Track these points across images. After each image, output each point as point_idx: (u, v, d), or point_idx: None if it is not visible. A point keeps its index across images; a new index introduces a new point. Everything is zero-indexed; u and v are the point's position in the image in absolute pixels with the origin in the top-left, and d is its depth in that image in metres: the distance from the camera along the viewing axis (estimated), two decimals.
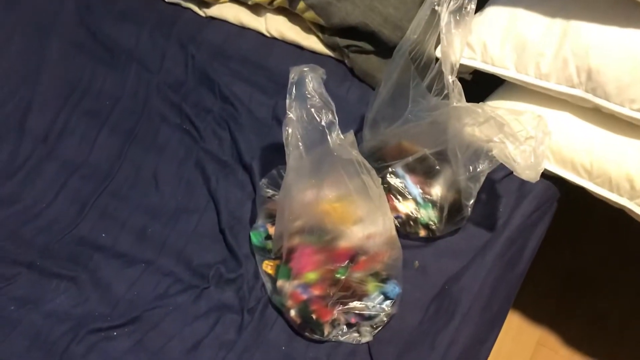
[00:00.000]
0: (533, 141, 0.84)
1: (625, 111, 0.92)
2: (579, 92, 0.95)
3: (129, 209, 1.05)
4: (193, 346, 0.90)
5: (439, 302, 0.92)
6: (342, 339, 0.90)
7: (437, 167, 0.97)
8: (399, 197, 1.00)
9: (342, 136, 0.83)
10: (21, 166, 1.11)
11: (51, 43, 1.25)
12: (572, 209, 1.12)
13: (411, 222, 0.99)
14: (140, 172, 1.10)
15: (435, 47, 0.94)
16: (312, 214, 0.88)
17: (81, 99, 1.20)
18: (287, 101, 0.83)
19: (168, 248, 1.00)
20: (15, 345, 0.89)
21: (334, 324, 0.89)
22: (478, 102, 0.90)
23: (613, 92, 0.91)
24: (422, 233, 0.99)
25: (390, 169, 1.00)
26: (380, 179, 0.90)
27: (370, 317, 0.90)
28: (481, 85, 1.07)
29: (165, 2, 1.29)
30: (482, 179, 0.94)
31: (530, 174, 0.84)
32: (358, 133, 1.02)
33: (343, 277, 0.89)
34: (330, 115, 0.82)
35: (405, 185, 1.00)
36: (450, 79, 0.86)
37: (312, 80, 0.82)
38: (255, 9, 1.24)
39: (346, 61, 1.18)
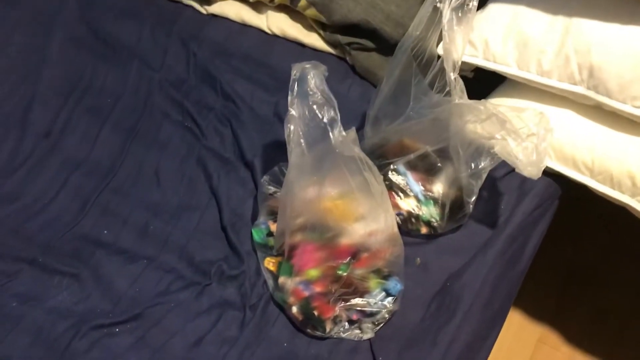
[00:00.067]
0: (535, 138, 0.84)
1: (627, 108, 0.91)
2: (580, 90, 0.95)
3: (130, 206, 1.05)
4: (195, 342, 0.90)
5: (440, 299, 0.93)
6: (343, 335, 0.90)
7: (439, 165, 0.98)
8: (400, 194, 1.00)
9: (344, 133, 0.83)
10: (23, 163, 1.11)
11: (53, 40, 1.25)
12: (573, 206, 1.12)
13: (413, 219, 0.99)
14: (142, 169, 1.10)
15: (437, 44, 0.94)
16: (314, 211, 0.88)
17: (83, 96, 1.20)
18: (289, 98, 0.83)
19: (170, 245, 1.00)
20: (18, 341, 0.89)
21: (335, 320, 0.89)
22: (480, 100, 0.90)
23: (615, 89, 0.91)
24: (424, 230, 0.99)
25: (391, 166, 1.00)
26: (382, 176, 0.90)
27: (371, 314, 0.90)
28: (482, 83, 1.07)
29: None
30: (484, 176, 0.94)
31: (532, 171, 0.84)
32: (359, 130, 1.01)
33: (345, 274, 0.89)
34: (332, 112, 0.82)
35: (406, 183, 1.00)
36: (452, 76, 0.86)
37: (314, 77, 0.82)
38: (257, 7, 1.24)
39: (347, 58, 1.18)
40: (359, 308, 0.89)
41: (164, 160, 1.11)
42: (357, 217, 0.89)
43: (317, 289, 0.90)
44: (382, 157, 1.00)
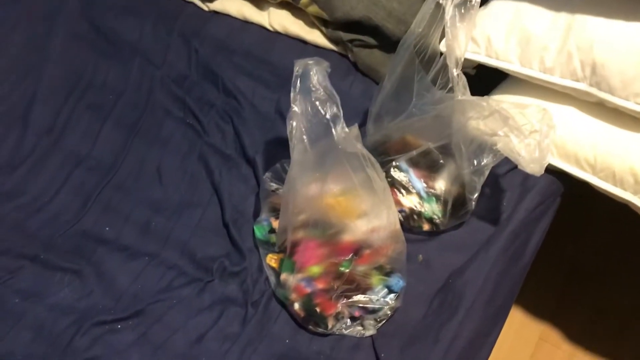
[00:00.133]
0: (538, 135, 0.84)
1: (630, 105, 0.91)
2: (583, 86, 0.95)
3: (132, 203, 1.05)
4: (197, 339, 0.90)
5: (442, 295, 0.93)
6: (345, 332, 0.90)
7: (441, 161, 0.97)
8: (402, 191, 1.00)
9: (346, 129, 0.83)
10: (25, 160, 1.11)
11: (54, 36, 1.25)
12: (574, 203, 1.12)
13: (415, 216, 0.99)
14: (143, 166, 1.10)
15: (440, 41, 0.94)
16: (316, 207, 0.88)
17: (84, 92, 1.20)
18: (292, 94, 0.83)
19: (172, 241, 1.00)
20: (20, 337, 0.90)
21: (337, 317, 0.90)
22: (482, 97, 0.90)
23: (617, 86, 0.91)
24: (426, 227, 0.99)
25: (394, 163, 1.00)
26: (384, 173, 0.90)
27: (374, 311, 0.90)
28: (484, 80, 1.06)
29: None
30: (487, 173, 0.93)
31: (534, 168, 0.84)
32: (361, 127, 1.01)
33: (347, 271, 0.89)
34: (334, 109, 0.82)
35: (409, 179, 1.00)
36: (455, 72, 0.86)
37: (316, 74, 0.82)
38: (258, 3, 1.24)
39: (349, 55, 1.18)
40: (361, 305, 0.89)
41: (165, 157, 1.11)
42: (359, 213, 0.89)
43: (319, 285, 0.90)
44: (384, 154, 1.00)
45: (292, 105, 0.83)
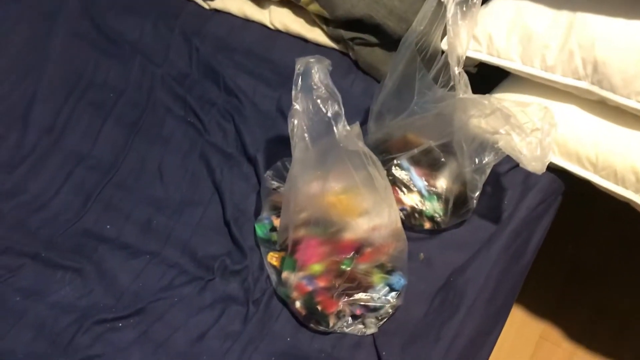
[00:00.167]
0: (539, 133, 0.84)
1: (632, 103, 0.91)
2: (584, 85, 0.95)
3: (133, 201, 1.05)
4: (198, 337, 0.90)
5: (444, 294, 0.93)
6: (347, 330, 0.90)
7: (443, 160, 0.97)
8: (404, 189, 1.00)
9: (348, 127, 0.83)
10: (25, 158, 1.11)
11: (55, 34, 1.25)
12: (575, 202, 1.12)
13: (416, 215, 0.99)
14: (144, 164, 1.10)
15: (442, 39, 0.94)
16: (317, 205, 0.88)
17: (85, 91, 1.20)
18: (293, 92, 0.82)
19: (173, 240, 1.00)
20: (21, 336, 0.89)
21: (339, 315, 0.89)
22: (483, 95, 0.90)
23: (619, 84, 0.91)
24: (427, 225, 0.99)
25: (395, 161, 0.99)
26: (385, 171, 0.90)
27: (375, 309, 0.90)
28: (485, 79, 1.06)
29: None
30: (488, 171, 0.93)
31: (536, 166, 0.84)
32: (363, 126, 1.01)
33: (348, 269, 0.89)
34: (336, 107, 0.82)
35: (410, 178, 1.00)
36: (457, 70, 0.86)
37: (318, 72, 0.82)
38: (259, 2, 1.24)
39: (350, 54, 1.18)
40: (362, 303, 0.89)
41: (166, 155, 1.11)
42: (360, 211, 0.89)
43: (321, 283, 0.90)
44: (385, 152, 1.00)
45: (294, 103, 0.82)
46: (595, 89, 0.94)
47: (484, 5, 1.01)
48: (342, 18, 1.15)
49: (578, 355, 1.31)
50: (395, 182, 0.99)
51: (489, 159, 0.91)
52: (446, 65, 0.90)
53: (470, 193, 0.96)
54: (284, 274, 0.92)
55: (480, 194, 0.96)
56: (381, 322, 0.90)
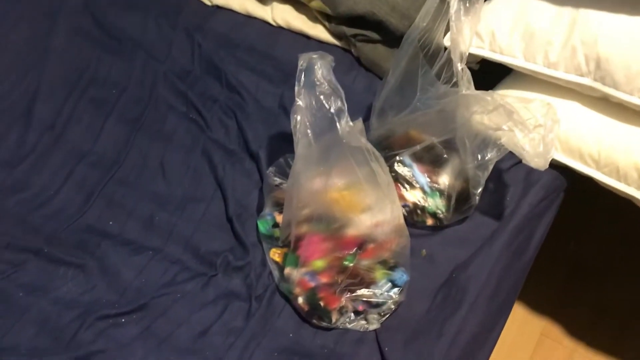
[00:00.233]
0: (542, 129, 0.84)
1: (634, 100, 0.91)
2: (587, 81, 0.95)
3: (136, 197, 1.05)
4: (201, 333, 0.90)
5: (446, 290, 0.93)
6: (349, 326, 0.90)
7: (445, 156, 0.97)
8: (406, 185, 1.00)
9: (351, 123, 0.83)
10: (28, 154, 1.11)
11: (57, 31, 1.25)
12: (576, 200, 1.12)
13: (418, 211, 0.99)
14: (147, 161, 1.10)
15: (444, 35, 0.94)
16: (320, 202, 0.88)
17: (87, 88, 1.20)
18: (296, 88, 0.83)
19: (175, 236, 1.00)
20: (24, 331, 0.89)
21: (341, 311, 0.89)
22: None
23: (622, 80, 0.91)
24: (430, 222, 0.99)
25: (397, 158, 1.00)
26: (388, 167, 0.90)
27: (377, 305, 0.90)
28: (487, 76, 1.06)
29: None
30: (490, 168, 0.94)
31: (539, 162, 0.84)
32: (365, 122, 1.01)
33: (351, 265, 0.89)
34: (339, 103, 0.82)
35: (412, 174, 1.00)
36: (460, 66, 0.86)
37: (321, 68, 0.82)
38: None
39: (353, 50, 1.18)
40: (365, 299, 0.89)
41: (169, 151, 1.11)
42: (363, 208, 0.89)
43: (323, 279, 0.90)
44: (387, 149, 1.00)
45: (297, 99, 0.83)
46: (598, 85, 0.94)
47: (486, 2, 1.02)
48: (344, 15, 1.15)
49: (579, 353, 1.31)
50: (397, 179, 0.99)
51: (491, 156, 0.92)
52: (449, 62, 0.90)
53: (473, 189, 0.96)
54: (287, 270, 0.92)
55: (483, 191, 0.96)
56: (384, 318, 0.90)
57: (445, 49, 0.92)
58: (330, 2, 1.15)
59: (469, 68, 0.93)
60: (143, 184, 1.07)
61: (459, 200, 0.97)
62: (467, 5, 0.85)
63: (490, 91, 0.91)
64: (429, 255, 0.96)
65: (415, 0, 1.12)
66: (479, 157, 0.92)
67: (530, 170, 1.00)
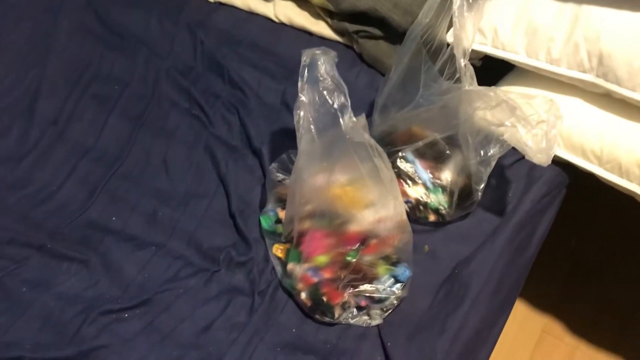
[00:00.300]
0: (545, 125, 0.84)
1: (637, 96, 0.91)
2: (590, 77, 0.95)
3: (139, 193, 1.05)
4: (204, 328, 0.90)
5: (448, 286, 0.93)
6: (352, 321, 0.90)
7: (447, 152, 0.98)
8: (408, 181, 1.00)
9: (354, 119, 0.83)
10: (31, 150, 1.11)
11: (59, 28, 1.25)
12: (578, 196, 1.12)
13: (421, 207, 0.99)
14: (149, 157, 1.10)
15: (447, 31, 0.94)
16: (323, 197, 0.88)
17: (90, 84, 1.20)
18: (299, 84, 0.82)
19: (178, 232, 1.00)
20: (28, 326, 0.90)
21: (344, 306, 0.90)
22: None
23: (624, 77, 0.91)
24: (432, 218, 0.99)
25: (400, 154, 1.00)
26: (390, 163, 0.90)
27: (380, 300, 0.90)
28: (490, 72, 1.06)
29: None
30: (493, 164, 0.94)
31: (541, 158, 0.84)
32: (367, 118, 1.01)
33: (354, 260, 0.89)
34: (342, 98, 0.82)
35: (415, 170, 1.00)
36: (463, 62, 0.86)
37: (324, 63, 0.82)
38: None
39: (355, 47, 1.18)
40: (367, 294, 0.90)
41: (171, 148, 1.11)
42: (366, 203, 0.89)
43: (326, 275, 0.90)
44: (390, 145, 1.00)
45: (300, 94, 0.83)
46: (601, 81, 0.94)
47: None
48: (346, 11, 1.15)
49: (580, 350, 1.32)
50: (400, 175, 0.99)
51: (494, 151, 0.92)
52: (451, 58, 0.90)
53: (475, 185, 0.96)
54: (290, 266, 0.92)
55: (485, 187, 0.96)
56: (386, 314, 0.90)
57: (448, 45, 0.92)
58: None
59: (472, 64, 0.93)
60: (146, 180, 1.07)
61: (462, 196, 0.98)
62: (470, 1, 0.85)
63: (493, 87, 0.90)
64: (431, 251, 0.97)
65: None
66: (482, 153, 0.92)
67: (533, 167, 1.00)
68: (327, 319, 0.90)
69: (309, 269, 0.91)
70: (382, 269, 0.91)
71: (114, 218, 1.02)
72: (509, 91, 0.88)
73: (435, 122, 0.96)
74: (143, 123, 1.14)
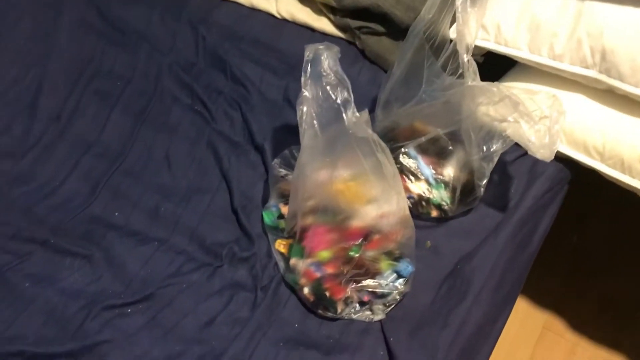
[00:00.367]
0: (548, 120, 0.84)
1: None
2: (592, 73, 0.95)
3: (141, 188, 1.05)
4: (207, 323, 0.90)
5: (451, 281, 0.93)
6: (354, 316, 0.90)
7: (450, 148, 0.98)
8: (411, 177, 1.00)
9: (357, 114, 0.83)
10: (34, 145, 1.11)
11: (62, 24, 1.25)
12: (581, 192, 1.12)
13: (423, 203, 0.99)
14: (152, 152, 1.10)
15: (450, 27, 0.94)
16: (326, 193, 0.88)
17: (92, 80, 1.20)
18: (302, 79, 0.82)
19: (181, 227, 1.01)
20: (31, 321, 0.90)
21: (347, 301, 0.90)
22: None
23: (627, 72, 0.91)
24: (434, 213, 0.99)
25: (402, 150, 1.00)
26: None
27: (383, 295, 0.90)
28: (492, 68, 1.06)
29: None
30: (496, 159, 0.94)
31: (544, 153, 0.84)
32: (370, 114, 1.02)
33: (356, 255, 0.89)
34: (345, 93, 0.82)
35: (417, 166, 1.00)
36: (466, 58, 0.86)
37: (327, 58, 0.82)
38: None
39: (357, 43, 1.18)
40: (370, 289, 0.90)
41: (174, 143, 1.11)
42: (369, 199, 0.89)
43: (329, 270, 0.90)
44: (392, 141, 1.00)
45: (303, 89, 0.83)
46: (603, 77, 0.94)
47: None
48: (349, 7, 1.15)
49: (581, 346, 1.32)
50: (402, 170, 0.99)
51: (497, 147, 0.92)
52: (454, 54, 0.90)
53: (478, 181, 0.96)
54: (292, 261, 0.92)
55: (487, 183, 0.96)
56: (389, 309, 0.91)
57: (451, 41, 0.92)
58: None
59: (474, 60, 0.93)
60: (148, 176, 1.07)
61: (464, 192, 0.98)
62: None
63: (495, 83, 0.91)
64: (433, 247, 0.97)
65: None
66: (484, 148, 0.92)
67: (535, 163, 1.00)
68: (329, 314, 0.90)
69: (312, 264, 0.91)
70: (384, 264, 0.91)
71: (116, 213, 1.03)
72: (512, 87, 0.88)
73: (438, 117, 0.96)
74: (145, 119, 1.14)
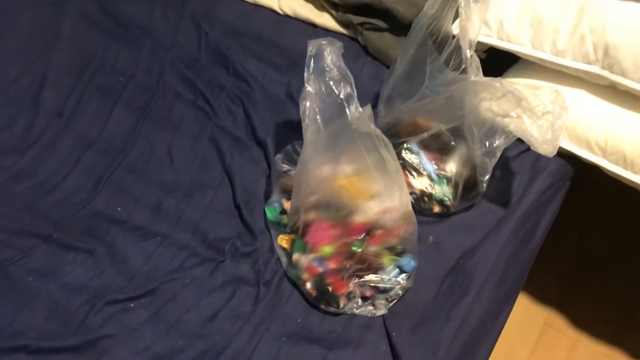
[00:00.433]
0: (551, 116, 0.84)
1: None
2: (595, 69, 0.95)
3: (144, 184, 1.06)
4: (209, 318, 0.90)
5: (453, 277, 0.93)
6: (357, 311, 0.90)
7: (452, 143, 0.98)
8: (413, 173, 1.00)
9: (360, 109, 0.83)
10: (36, 141, 1.11)
11: (64, 19, 1.25)
12: (583, 188, 1.12)
13: (425, 198, 1.00)
14: (154, 148, 1.11)
15: (453, 23, 0.94)
16: (328, 188, 0.88)
17: (95, 75, 1.20)
18: (305, 74, 0.83)
19: (183, 222, 1.01)
20: (34, 315, 0.90)
21: (349, 296, 0.90)
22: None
23: (630, 68, 0.91)
24: (437, 209, 1.00)
25: (405, 145, 1.00)
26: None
27: (385, 290, 0.90)
28: (495, 65, 1.06)
29: None
30: (498, 155, 0.94)
31: (547, 148, 0.84)
32: (372, 110, 1.02)
33: (359, 250, 0.89)
34: (348, 88, 0.82)
35: (420, 162, 1.00)
36: (469, 53, 0.86)
37: (330, 53, 0.82)
38: None
39: (359, 39, 1.18)
40: (372, 284, 0.90)
41: (176, 139, 1.11)
42: (372, 194, 0.89)
43: (331, 265, 0.90)
44: (395, 136, 1.00)
45: (306, 85, 0.83)
46: (606, 73, 0.94)
47: None
48: (351, 3, 1.15)
49: (582, 343, 1.32)
50: (405, 166, 0.99)
51: (499, 142, 0.92)
52: (457, 49, 0.90)
53: (480, 177, 0.96)
54: (295, 256, 0.92)
55: (490, 178, 0.97)
56: (391, 304, 0.91)
57: (454, 36, 0.92)
58: None
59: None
60: (151, 171, 1.08)
61: (466, 187, 0.98)
62: None
63: (498, 78, 0.91)
64: (436, 242, 0.97)
65: None
66: (487, 144, 0.92)
67: (537, 158, 1.01)
68: (332, 309, 0.90)
69: (314, 259, 0.91)
70: (387, 259, 0.91)
71: (119, 209, 1.03)
72: (514, 82, 0.88)
73: (441, 113, 0.96)
74: (148, 114, 1.15)
